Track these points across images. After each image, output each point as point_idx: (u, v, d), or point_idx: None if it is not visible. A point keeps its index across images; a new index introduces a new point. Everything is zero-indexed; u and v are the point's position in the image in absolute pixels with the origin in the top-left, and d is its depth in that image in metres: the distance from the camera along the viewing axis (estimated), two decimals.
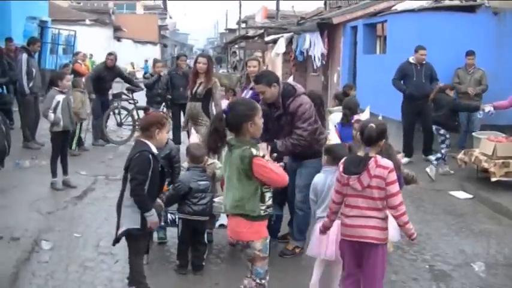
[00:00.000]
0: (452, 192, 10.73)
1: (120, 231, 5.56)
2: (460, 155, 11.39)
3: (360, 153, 5.05)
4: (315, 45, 21.33)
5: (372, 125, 4.98)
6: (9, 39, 16.11)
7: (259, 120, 4.92)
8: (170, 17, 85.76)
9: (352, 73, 18.85)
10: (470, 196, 10.53)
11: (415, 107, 12.75)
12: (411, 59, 13.13)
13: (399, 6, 15.92)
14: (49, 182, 10.00)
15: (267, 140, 6.34)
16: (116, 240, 5.71)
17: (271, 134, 6.81)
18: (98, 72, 14.85)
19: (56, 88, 9.94)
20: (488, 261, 7.44)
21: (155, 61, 14.98)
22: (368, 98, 15.19)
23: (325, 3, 31.03)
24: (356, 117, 8.23)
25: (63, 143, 10.11)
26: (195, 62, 10.29)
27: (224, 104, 10.17)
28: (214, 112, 9.72)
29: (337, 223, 5.41)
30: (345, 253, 5.20)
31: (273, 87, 6.74)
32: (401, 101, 13.50)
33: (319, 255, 5.92)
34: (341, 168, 5.06)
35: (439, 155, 11.65)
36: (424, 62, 13.03)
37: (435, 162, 11.63)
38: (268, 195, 4.89)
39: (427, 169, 11.55)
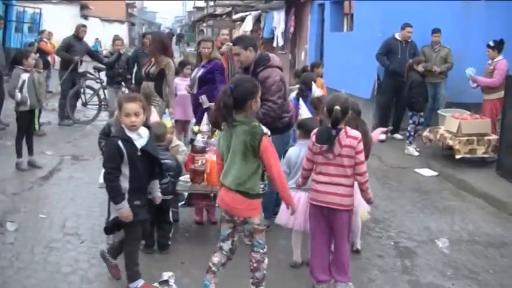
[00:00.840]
0: (418, 170, 10.86)
1: (109, 219, 5.56)
2: (426, 133, 11.50)
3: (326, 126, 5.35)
4: (280, 23, 21.30)
5: (337, 107, 5.21)
6: None
7: (259, 98, 5.07)
8: None
9: (320, 51, 18.87)
10: (436, 173, 10.67)
11: (396, 83, 12.80)
12: (397, 35, 13.19)
13: None
14: (14, 162, 9.89)
15: None
16: (107, 229, 5.71)
17: None
18: (67, 43, 14.59)
19: (20, 67, 9.78)
20: (452, 238, 7.55)
21: (115, 38, 14.44)
22: (335, 75, 15.35)
23: None
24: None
25: (29, 123, 9.99)
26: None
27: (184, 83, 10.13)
28: (167, 93, 9.50)
29: (304, 195, 5.83)
30: (313, 216, 5.51)
31: (249, 51, 6.94)
32: (370, 78, 13.58)
33: (287, 225, 6.15)
34: (313, 138, 5.36)
35: (407, 134, 11.85)
36: (409, 40, 13.13)
37: (408, 141, 11.83)
38: (265, 173, 5.03)
39: (405, 151, 11.85)
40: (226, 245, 5.22)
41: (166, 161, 6.56)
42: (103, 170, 5.37)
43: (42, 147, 11.31)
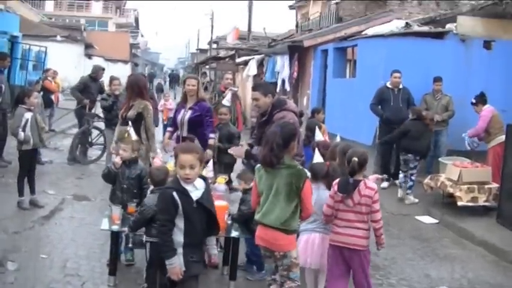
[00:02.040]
0: (418, 217, 10.90)
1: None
2: (427, 180, 11.55)
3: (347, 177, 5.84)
4: (283, 68, 21.45)
5: (355, 159, 5.81)
6: None
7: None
8: (142, 36, 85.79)
9: (322, 96, 18.95)
10: (436, 221, 10.70)
11: (392, 131, 12.76)
12: (388, 84, 13.31)
13: (369, 31, 16.08)
14: (16, 201, 9.88)
15: (250, 144, 7.50)
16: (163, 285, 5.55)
17: (255, 140, 7.54)
18: (83, 83, 15.17)
19: (23, 106, 9.85)
20: (452, 286, 7.59)
21: (112, 78, 14.02)
22: (337, 121, 15.42)
23: (296, 26, 31.23)
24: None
25: (31, 161, 10.03)
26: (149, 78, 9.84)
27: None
28: (145, 136, 9.15)
29: (320, 236, 6.24)
30: (333, 258, 5.97)
31: (267, 97, 7.29)
32: (371, 124, 13.66)
33: (304, 264, 6.32)
34: (335, 188, 5.85)
35: (411, 183, 11.79)
36: (400, 87, 13.24)
37: (409, 191, 11.81)
38: None
39: (406, 201, 11.83)
40: (278, 276, 5.76)
41: None
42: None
43: (44, 186, 11.33)
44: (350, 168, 5.82)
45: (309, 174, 5.71)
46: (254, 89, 7.55)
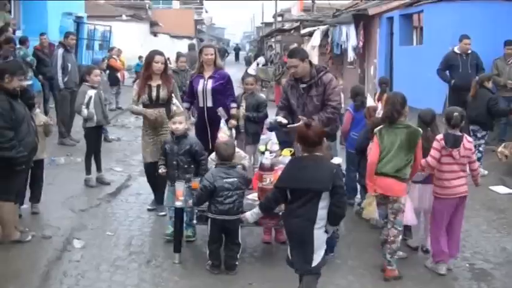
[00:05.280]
0: (492, 187, 10.41)
1: (316, 262, 5.30)
2: (501, 148, 11.09)
3: (452, 132, 6.65)
4: (350, 37, 21.10)
5: (456, 114, 6.64)
6: (41, 34, 15.99)
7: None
8: (206, 11, 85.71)
9: (389, 65, 18.58)
10: (511, 191, 10.23)
11: (461, 97, 12.17)
12: (456, 49, 12.82)
13: None
14: (83, 179, 9.94)
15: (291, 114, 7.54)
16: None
17: (299, 109, 7.45)
18: None
19: (86, 83, 9.91)
20: None
21: (178, 55, 14.10)
22: (405, 90, 14.83)
23: None
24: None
25: (97, 139, 10.05)
26: (150, 61, 8.46)
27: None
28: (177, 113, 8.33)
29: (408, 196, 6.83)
30: (445, 211, 6.72)
31: (305, 63, 7.33)
32: (441, 92, 13.24)
33: (418, 209, 7.32)
34: (442, 143, 6.60)
35: (479, 155, 11.20)
36: (469, 52, 12.73)
37: (478, 163, 11.30)
38: None
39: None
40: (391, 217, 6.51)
41: (233, 179, 6.44)
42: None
43: (111, 163, 11.38)
44: (454, 122, 6.61)
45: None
46: (290, 56, 7.51)
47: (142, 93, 8.36)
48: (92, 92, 9.77)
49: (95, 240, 7.47)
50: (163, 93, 8.36)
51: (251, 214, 5.80)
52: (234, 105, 9.07)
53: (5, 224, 6.92)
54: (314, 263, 5.24)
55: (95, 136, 9.95)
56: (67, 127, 13.40)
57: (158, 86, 8.36)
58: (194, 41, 51.88)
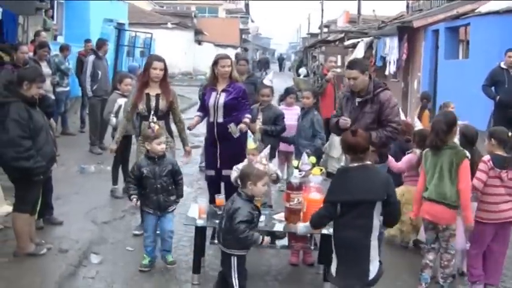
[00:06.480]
0: None
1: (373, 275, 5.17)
2: None
3: (499, 153, 6.41)
4: (392, 50, 20.68)
5: (510, 133, 6.50)
6: (87, 41, 16.08)
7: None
8: (252, 21, 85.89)
9: (433, 79, 18.11)
10: None
11: (507, 114, 11.73)
12: (502, 64, 12.27)
13: (483, 8, 15.05)
14: (109, 189, 9.71)
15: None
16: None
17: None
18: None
19: (117, 91, 9.71)
20: None
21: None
22: None
23: (407, 7, 30.20)
24: None
25: (126, 149, 9.76)
26: (148, 63, 7.81)
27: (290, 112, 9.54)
28: (179, 129, 8.06)
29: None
30: (487, 235, 6.43)
31: (365, 75, 6.86)
32: (486, 109, 12.73)
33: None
34: (490, 164, 6.31)
35: None
36: None
37: None
38: None
39: None
40: (436, 245, 6.47)
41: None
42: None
43: None
44: (505, 142, 6.41)
45: (468, 155, 6.30)
46: (350, 67, 6.98)
47: (139, 103, 7.67)
48: (121, 101, 9.52)
49: (113, 256, 7.19)
50: (162, 104, 7.68)
51: (304, 227, 5.71)
52: (248, 115, 8.21)
53: (19, 236, 6.69)
54: (371, 275, 5.12)
55: (123, 146, 9.67)
56: (99, 135, 13.21)
57: (157, 96, 7.68)
58: (239, 50, 51.89)
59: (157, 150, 6.72)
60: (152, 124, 7.18)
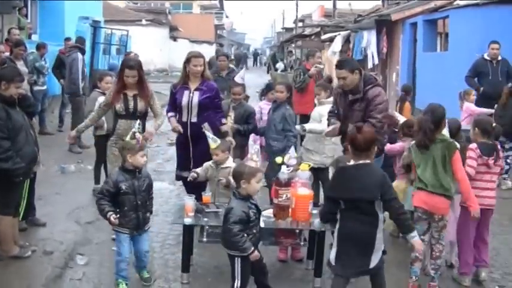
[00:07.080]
0: None
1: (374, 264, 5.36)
2: None
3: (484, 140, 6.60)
4: (370, 43, 20.73)
5: (494, 123, 6.92)
6: (67, 39, 15.82)
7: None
8: (227, 16, 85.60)
9: (412, 72, 18.16)
10: None
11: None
12: (486, 55, 12.32)
13: (462, 1, 15.10)
14: (91, 188, 9.57)
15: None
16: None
17: (340, 120, 7.18)
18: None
19: (97, 90, 9.60)
20: None
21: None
22: (429, 98, 14.49)
23: (382, 0, 30.28)
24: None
25: (106, 148, 9.62)
26: (121, 69, 7.64)
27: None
28: (150, 129, 7.76)
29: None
30: (472, 222, 6.49)
31: (355, 74, 6.88)
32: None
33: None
34: (478, 152, 6.48)
35: (507, 167, 10.67)
36: (499, 59, 12.24)
37: (506, 175, 10.79)
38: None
39: (503, 187, 10.66)
40: (427, 237, 6.38)
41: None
42: None
43: None
44: (497, 133, 6.81)
45: (458, 146, 6.35)
46: (339, 66, 6.98)
47: (116, 102, 7.53)
48: (102, 99, 9.36)
49: (98, 256, 7.07)
50: (140, 105, 7.56)
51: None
52: (224, 120, 8.19)
53: (3, 238, 6.56)
54: (372, 265, 5.31)
55: (105, 144, 9.50)
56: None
57: (135, 96, 7.55)
58: (214, 45, 51.79)
59: (141, 163, 6.15)
60: (137, 134, 6.58)
